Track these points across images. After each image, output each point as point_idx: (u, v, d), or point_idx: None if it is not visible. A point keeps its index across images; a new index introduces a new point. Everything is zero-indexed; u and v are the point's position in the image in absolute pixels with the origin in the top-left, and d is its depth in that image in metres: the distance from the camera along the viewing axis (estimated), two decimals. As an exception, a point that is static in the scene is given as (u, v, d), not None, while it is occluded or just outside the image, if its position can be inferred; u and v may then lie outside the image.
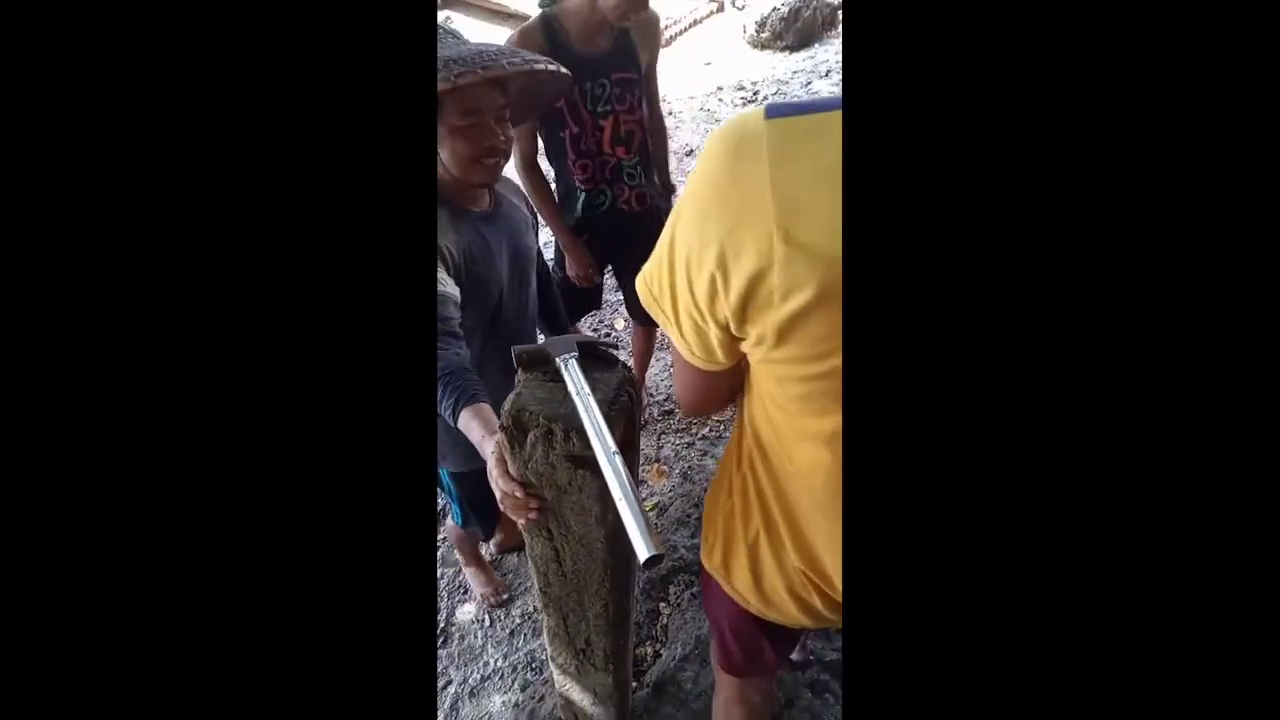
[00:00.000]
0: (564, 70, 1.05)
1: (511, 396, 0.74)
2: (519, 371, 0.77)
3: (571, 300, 1.81)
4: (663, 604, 1.61)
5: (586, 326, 2.66)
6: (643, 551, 0.54)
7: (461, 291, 0.95)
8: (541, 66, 0.97)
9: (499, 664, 1.53)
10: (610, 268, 1.87)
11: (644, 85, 1.57)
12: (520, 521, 0.79)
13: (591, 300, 1.88)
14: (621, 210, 1.65)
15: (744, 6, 5.39)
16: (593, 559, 0.86)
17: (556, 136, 1.55)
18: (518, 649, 1.56)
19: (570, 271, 1.69)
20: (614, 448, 0.63)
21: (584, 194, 1.62)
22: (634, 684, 1.42)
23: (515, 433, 0.73)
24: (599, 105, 1.50)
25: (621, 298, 2.58)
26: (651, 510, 1.89)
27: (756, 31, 4.89)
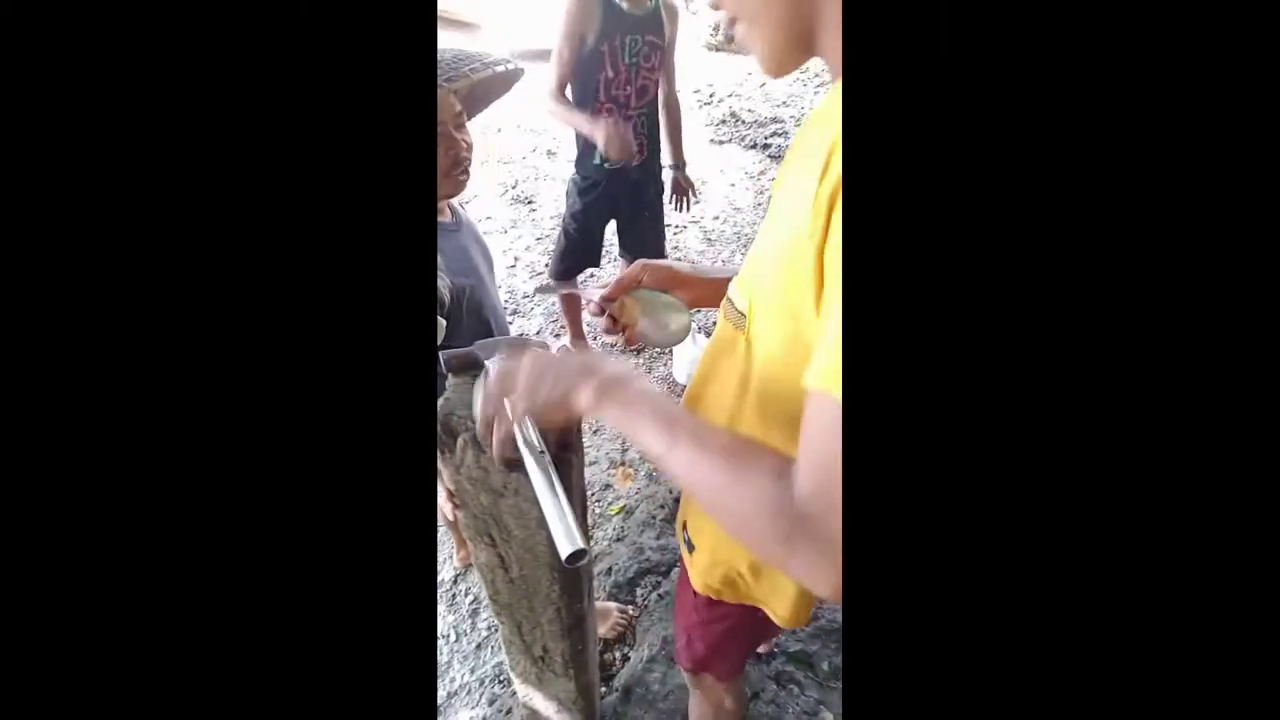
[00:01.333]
0: (521, 67, 1.05)
1: (440, 401, 0.73)
2: (448, 376, 0.76)
3: (573, 257, 2.05)
4: (630, 607, 1.60)
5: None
6: (564, 547, 0.53)
7: (453, 302, 1.00)
8: (503, 68, 0.96)
9: (466, 679, 1.50)
10: (614, 222, 2.05)
11: (664, 55, 1.81)
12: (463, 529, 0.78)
13: (591, 258, 2.09)
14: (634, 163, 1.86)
15: (696, 11, 5.42)
16: (538, 563, 0.85)
17: (593, 79, 1.74)
18: (485, 662, 1.53)
19: (608, 151, 1.73)
20: (540, 447, 0.62)
21: None
22: (603, 688, 1.41)
23: (445, 438, 0.71)
24: (632, 58, 1.73)
25: (561, 320, 2.57)
26: (618, 514, 1.88)
27: (711, 34, 4.94)
